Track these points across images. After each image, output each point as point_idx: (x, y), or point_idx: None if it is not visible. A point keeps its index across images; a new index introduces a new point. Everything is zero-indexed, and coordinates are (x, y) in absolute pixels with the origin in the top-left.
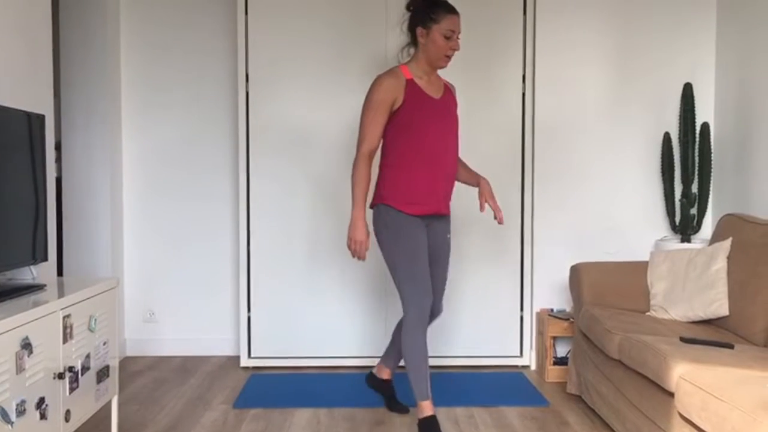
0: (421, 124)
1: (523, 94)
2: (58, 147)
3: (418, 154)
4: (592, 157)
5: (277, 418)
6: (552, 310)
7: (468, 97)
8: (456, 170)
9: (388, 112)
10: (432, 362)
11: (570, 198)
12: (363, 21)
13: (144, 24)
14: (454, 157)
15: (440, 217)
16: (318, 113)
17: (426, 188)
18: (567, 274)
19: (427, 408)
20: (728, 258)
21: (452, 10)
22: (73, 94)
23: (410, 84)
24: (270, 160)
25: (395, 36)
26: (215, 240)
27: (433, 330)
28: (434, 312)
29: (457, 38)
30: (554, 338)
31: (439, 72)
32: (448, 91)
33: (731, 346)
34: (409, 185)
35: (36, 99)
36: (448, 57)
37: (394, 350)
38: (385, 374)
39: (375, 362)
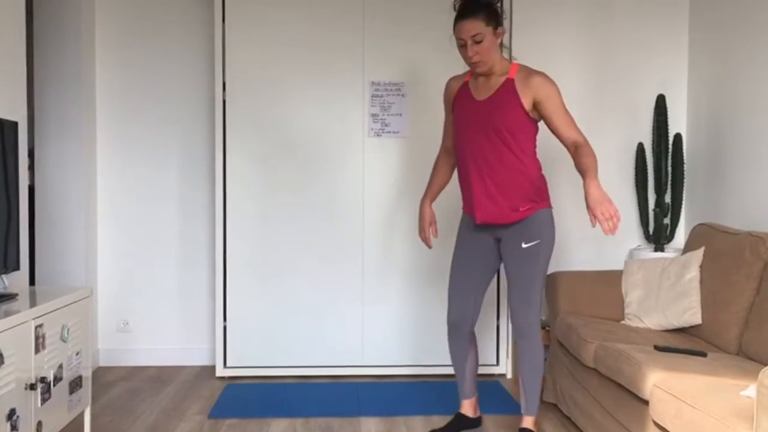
0: (459, 126)
1: None
2: (31, 154)
3: (460, 156)
4: (567, 167)
5: (253, 428)
6: None
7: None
8: (500, 177)
9: (450, 111)
10: (409, 371)
11: None
12: (340, 27)
13: (119, 30)
14: (494, 163)
15: (506, 226)
16: (296, 120)
17: (465, 190)
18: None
19: (462, 406)
20: (701, 267)
21: (461, 14)
22: (47, 100)
23: (464, 86)
24: (247, 167)
25: (373, 41)
26: (191, 249)
27: (411, 339)
28: (514, 324)
29: (474, 44)
30: None
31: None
32: (503, 88)
33: (704, 355)
34: (460, 186)
35: (9, 106)
36: (474, 64)
37: None
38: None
39: (352, 372)
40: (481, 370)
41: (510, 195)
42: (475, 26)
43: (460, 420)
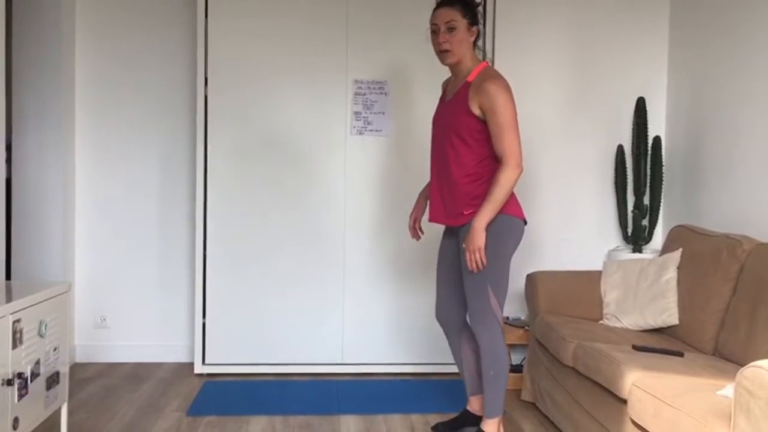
0: (432, 125)
1: None
2: (8, 147)
3: (431, 155)
4: (548, 169)
5: (232, 425)
6: (507, 318)
7: (426, 105)
8: (450, 180)
9: None
10: (388, 369)
11: (526, 208)
12: (324, 24)
13: (100, 22)
14: (446, 165)
15: (458, 228)
16: (278, 117)
17: (430, 194)
18: (523, 283)
19: (468, 402)
20: (678, 268)
21: (440, 3)
22: (25, 94)
23: (444, 86)
24: (228, 163)
25: (356, 37)
26: (170, 244)
27: (391, 337)
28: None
29: (447, 31)
30: (509, 346)
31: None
32: (460, 91)
33: (681, 354)
34: None
35: None
36: (443, 53)
37: None
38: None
39: (331, 369)
40: None
41: (457, 198)
42: (451, 14)
43: (466, 416)
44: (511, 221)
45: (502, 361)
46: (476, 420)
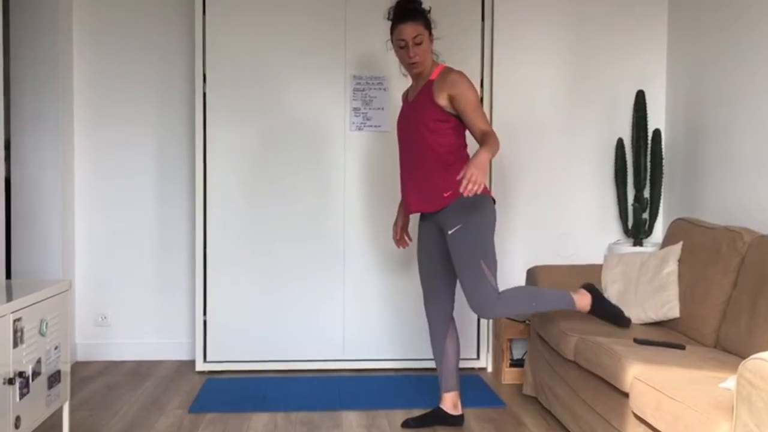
0: (397, 127)
1: (481, 100)
2: (7, 146)
3: (399, 154)
4: (548, 163)
5: (234, 422)
6: None
7: None
8: (424, 169)
9: None
10: (390, 365)
11: (526, 202)
12: (322, 20)
13: (98, 20)
14: (418, 156)
15: (434, 214)
16: (277, 113)
17: (401, 185)
18: (523, 276)
19: (441, 399)
20: (679, 261)
21: (401, 18)
22: (24, 92)
23: (406, 92)
24: (227, 161)
25: (354, 32)
26: (170, 242)
27: (392, 333)
28: (474, 311)
29: (415, 45)
30: (510, 340)
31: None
32: (424, 89)
33: (682, 347)
34: (400, 182)
35: None
36: (413, 65)
37: None
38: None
39: (333, 366)
40: (462, 364)
41: (432, 184)
42: (417, 28)
43: (438, 414)
44: (477, 200)
45: (529, 295)
46: (451, 419)
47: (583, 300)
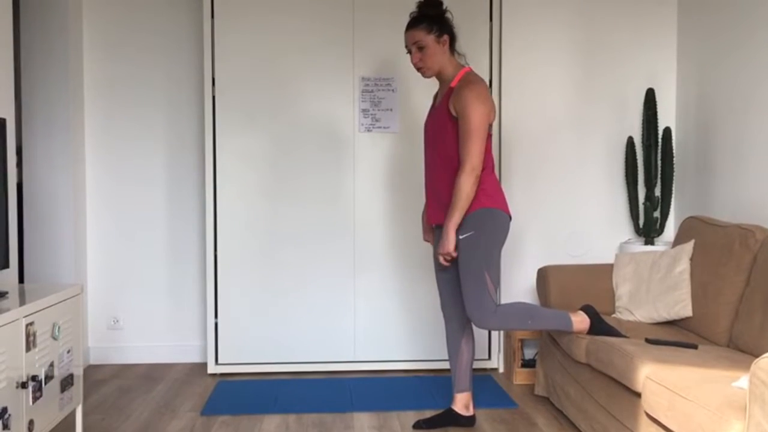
0: (424, 135)
1: None
2: (19, 151)
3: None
4: (558, 162)
5: (246, 424)
6: None
7: None
8: (444, 178)
9: None
10: (401, 366)
11: (536, 202)
12: (330, 22)
13: (107, 25)
14: (438, 164)
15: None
16: (286, 116)
17: (427, 199)
18: (534, 277)
19: (453, 400)
20: (691, 260)
21: (407, 26)
22: (35, 97)
23: (435, 94)
24: (237, 163)
25: (362, 33)
26: (181, 245)
27: (403, 334)
28: (470, 319)
29: (417, 50)
30: (522, 341)
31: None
32: (444, 97)
33: (695, 347)
34: None
35: None
36: (419, 70)
37: None
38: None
39: (345, 367)
40: (474, 365)
41: (450, 195)
42: (415, 35)
43: (449, 415)
44: (493, 213)
45: (526, 312)
46: (464, 420)
47: (581, 324)
